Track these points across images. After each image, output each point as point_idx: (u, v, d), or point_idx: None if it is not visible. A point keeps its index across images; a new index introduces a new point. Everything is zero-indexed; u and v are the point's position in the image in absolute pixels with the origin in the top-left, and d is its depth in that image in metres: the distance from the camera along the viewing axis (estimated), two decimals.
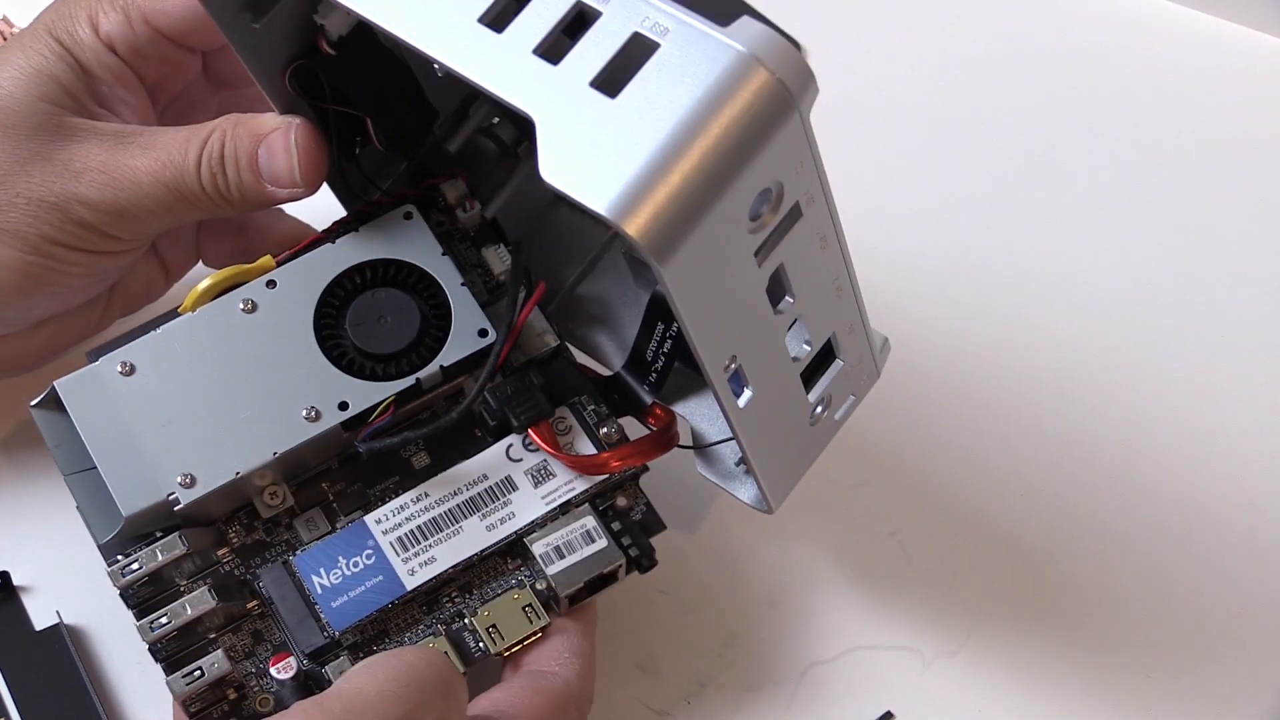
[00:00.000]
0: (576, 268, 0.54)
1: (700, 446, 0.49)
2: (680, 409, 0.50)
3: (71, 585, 0.54)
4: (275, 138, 0.48)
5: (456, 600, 0.47)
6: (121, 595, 0.46)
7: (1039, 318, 0.63)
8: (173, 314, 0.48)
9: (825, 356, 0.46)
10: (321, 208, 0.52)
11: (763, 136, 0.36)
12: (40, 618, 0.53)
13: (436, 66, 0.38)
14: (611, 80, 0.36)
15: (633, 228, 0.35)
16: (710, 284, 0.37)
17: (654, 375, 0.48)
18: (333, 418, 0.46)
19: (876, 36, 0.71)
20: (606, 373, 0.51)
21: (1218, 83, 0.69)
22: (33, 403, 0.48)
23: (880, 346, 0.48)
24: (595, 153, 0.35)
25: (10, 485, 0.57)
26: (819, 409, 0.46)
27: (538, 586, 0.47)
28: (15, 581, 0.54)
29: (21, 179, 0.48)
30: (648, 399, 0.49)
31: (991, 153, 0.67)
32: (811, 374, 0.46)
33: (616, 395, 0.49)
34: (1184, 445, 0.60)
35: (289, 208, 0.55)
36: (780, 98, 0.36)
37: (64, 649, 0.52)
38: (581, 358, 0.51)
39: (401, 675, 0.40)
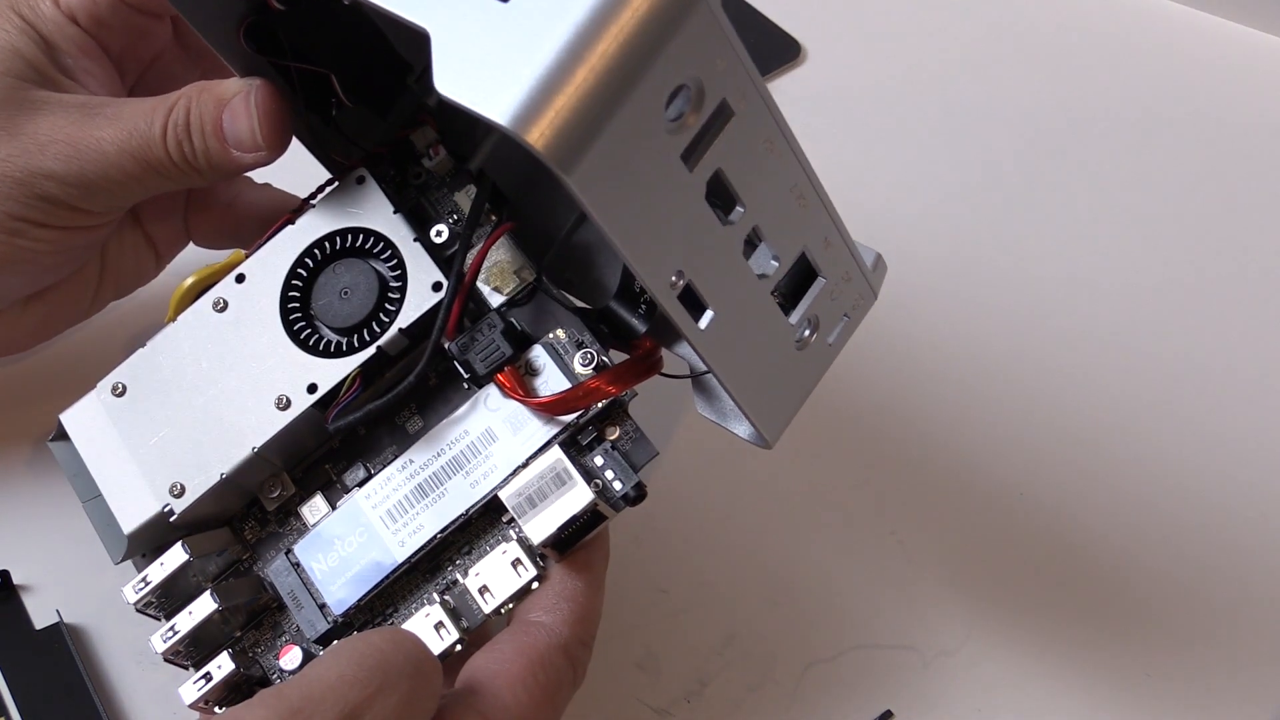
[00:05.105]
0: (569, 217, 0.52)
1: (693, 376, 0.47)
2: (681, 350, 0.48)
3: (71, 585, 0.54)
4: (238, 101, 0.46)
5: (456, 564, 0.46)
6: (139, 611, 0.45)
7: (1040, 319, 0.63)
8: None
9: (804, 274, 0.43)
10: (314, 181, 0.50)
11: (666, 30, 0.33)
12: (40, 617, 0.53)
13: None
14: None
15: (532, 136, 0.33)
16: (632, 190, 0.35)
17: (644, 305, 0.46)
18: (303, 402, 0.45)
19: (881, 32, 0.71)
20: None
21: (1219, 81, 0.69)
22: (49, 438, 0.48)
23: (873, 264, 0.45)
24: (491, 61, 0.33)
25: (10, 485, 0.57)
26: (805, 332, 0.44)
27: (524, 539, 0.44)
28: (15, 581, 0.54)
29: None
30: (641, 327, 0.46)
31: (993, 152, 0.67)
32: (792, 294, 0.43)
33: (605, 327, 0.46)
34: (1185, 445, 0.60)
35: (280, 183, 0.54)
36: None
37: (64, 648, 0.52)
38: None
39: (364, 659, 0.38)
